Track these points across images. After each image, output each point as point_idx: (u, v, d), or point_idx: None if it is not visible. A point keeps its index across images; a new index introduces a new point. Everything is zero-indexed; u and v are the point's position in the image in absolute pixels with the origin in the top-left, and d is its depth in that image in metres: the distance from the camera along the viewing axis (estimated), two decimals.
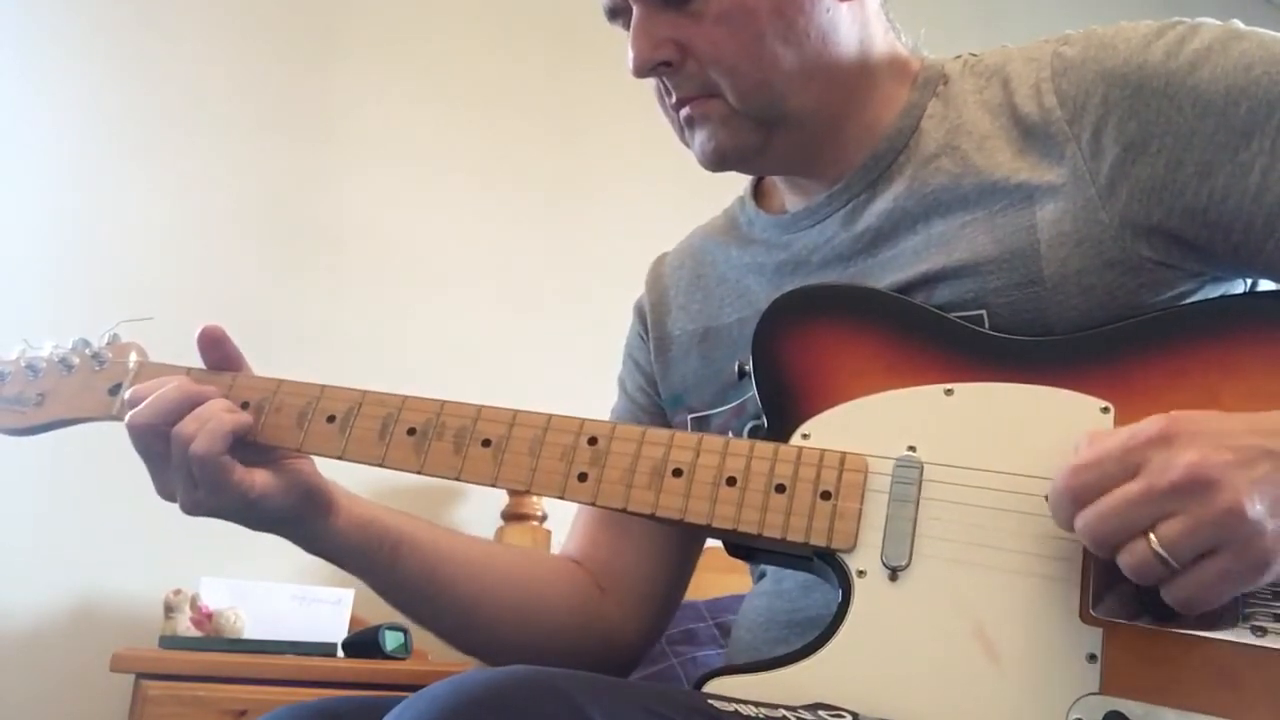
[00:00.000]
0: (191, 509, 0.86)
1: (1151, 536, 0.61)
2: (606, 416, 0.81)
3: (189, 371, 0.91)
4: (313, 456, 0.88)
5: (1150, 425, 0.64)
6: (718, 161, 0.89)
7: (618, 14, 0.89)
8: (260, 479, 0.84)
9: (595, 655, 0.96)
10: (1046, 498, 0.68)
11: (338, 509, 0.88)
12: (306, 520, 0.87)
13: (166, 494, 0.87)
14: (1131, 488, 0.62)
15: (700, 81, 0.86)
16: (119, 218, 2.36)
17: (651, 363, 1.04)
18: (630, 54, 0.85)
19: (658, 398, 1.04)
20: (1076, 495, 0.64)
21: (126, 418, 0.85)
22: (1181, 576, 0.62)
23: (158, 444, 0.84)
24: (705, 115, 0.87)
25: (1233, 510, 0.60)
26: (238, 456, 0.84)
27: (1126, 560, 0.63)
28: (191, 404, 0.84)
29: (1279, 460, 0.62)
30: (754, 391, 0.83)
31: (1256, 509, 0.60)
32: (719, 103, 0.86)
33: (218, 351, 0.90)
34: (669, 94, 0.88)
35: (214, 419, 0.83)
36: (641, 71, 0.86)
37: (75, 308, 2.18)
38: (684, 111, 0.88)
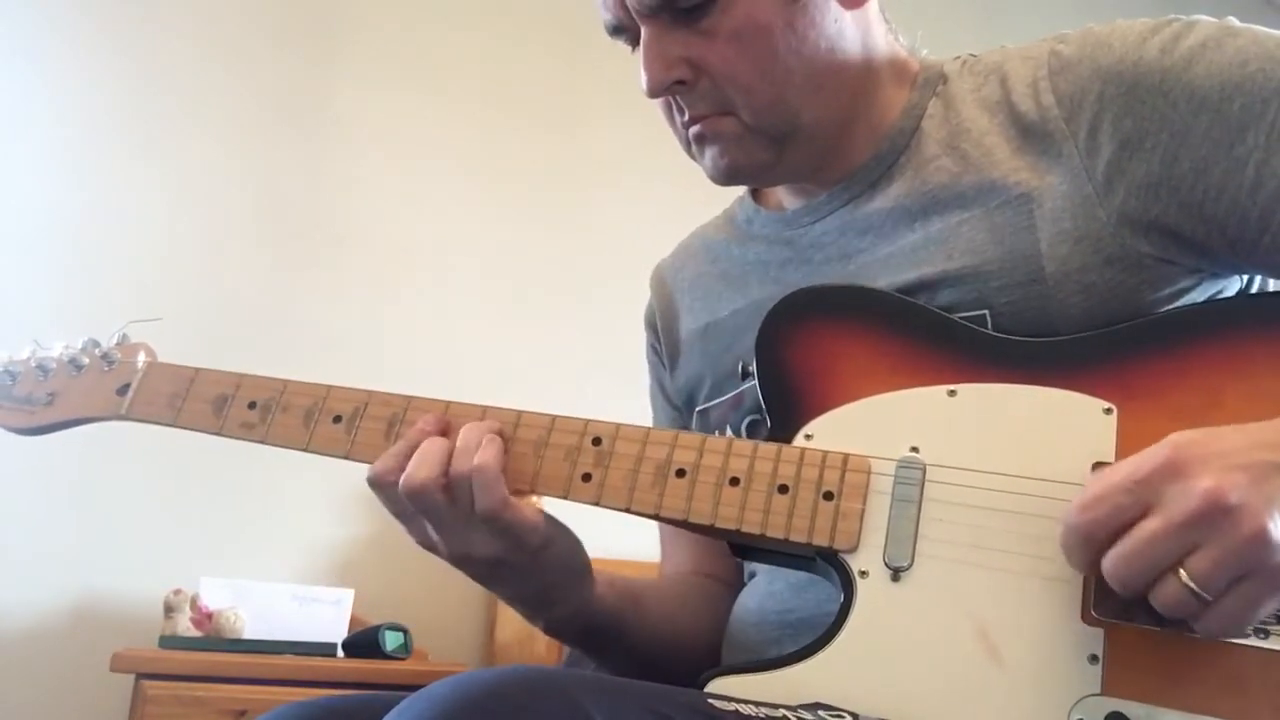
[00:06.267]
0: (482, 564, 0.81)
1: (1182, 572, 0.61)
2: (610, 415, 0.81)
3: (198, 372, 0.92)
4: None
5: (1155, 455, 0.63)
6: (730, 177, 0.88)
7: (621, 31, 0.87)
8: (542, 516, 0.80)
9: None
10: (1060, 541, 0.67)
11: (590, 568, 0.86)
12: (584, 577, 0.85)
13: (428, 545, 0.82)
14: (1151, 525, 0.62)
15: (714, 99, 0.84)
16: (124, 218, 2.37)
17: (666, 373, 1.04)
18: (643, 75, 0.84)
19: (679, 415, 1.03)
20: (1088, 532, 0.64)
21: (401, 487, 0.78)
22: (1214, 608, 0.61)
23: (441, 502, 0.78)
24: (717, 133, 0.86)
25: (1257, 534, 0.60)
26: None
27: (1160, 600, 0.62)
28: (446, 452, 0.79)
29: None
30: (755, 387, 0.83)
31: (1279, 527, 0.60)
32: (732, 120, 0.85)
33: None
34: (681, 112, 0.87)
35: (489, 463, 0.78)
36: (656, 92, 0.84)
37: (85, 308, 2.18)
38: (695, 129, 0.86)
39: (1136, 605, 0.66)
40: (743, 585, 0.97)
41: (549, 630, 0.89)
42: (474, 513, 0.78)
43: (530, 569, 0.81)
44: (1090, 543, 0.64)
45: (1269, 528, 0.60)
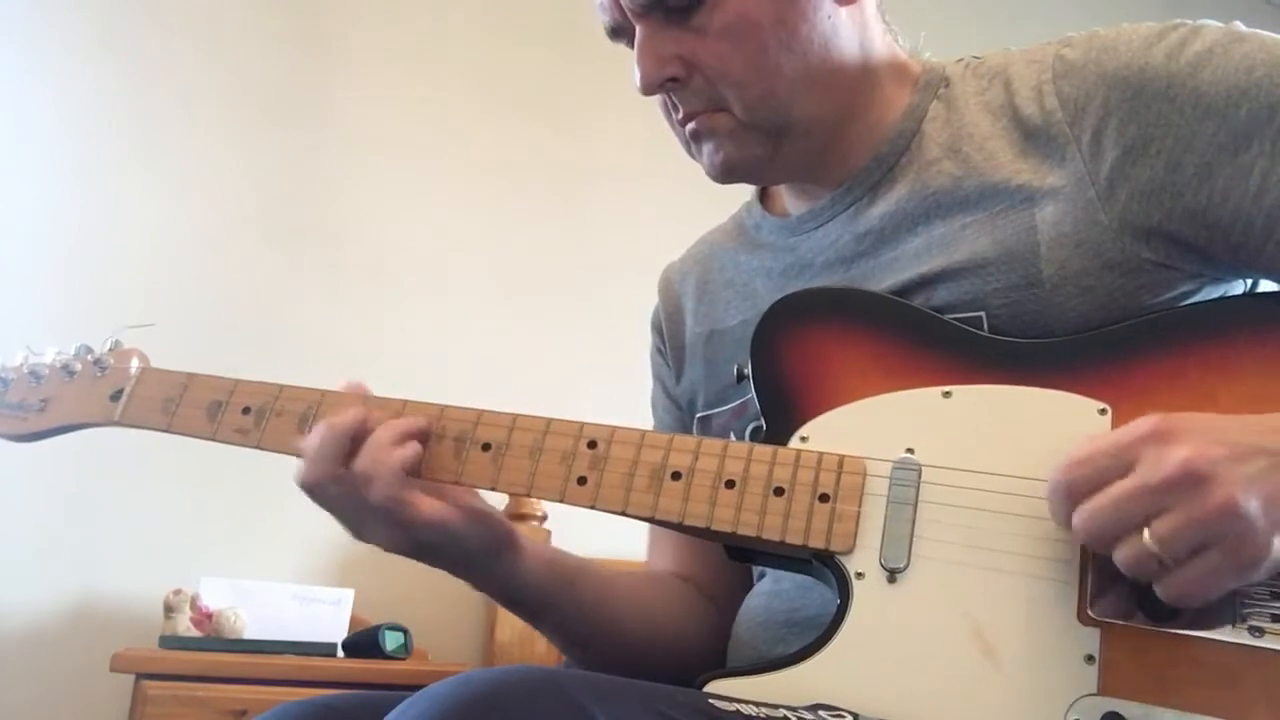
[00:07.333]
0: (394, 549, 0.83)
1: (1145, 532, 0.62)
2: (608, 417, 0.81)
3: (191, 377, 0.92)
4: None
5: (1144, 422, 0.65)
6: (726, 174, 0.89)
7: (620, 33, 0.88)
8: (446, 512, 0.81)
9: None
10: (1046, 496, 0.68)
11: (523, 544, 0.88)
12: (501, 556, 0.86)
13: (361, 538, 0.84)
14: (1125, 484, 0.63)
15: (707, 96, 0.85)
16: (124, 218, 2.37)
17: (671, 375, 1.05)
18: (637, 73, 0.85)
19: (682, 414, 1.04)
20: (1071, 490, 0.65)
21: (300, 479, 0.82)
22: (1174, 572, 0.62)
23: (337, 494, 0.81)
24: (712, 129, 0.86)
25: (1226, 506, 0.61)
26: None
27: (1121, 556, 0.64)
28: (352, 443, 0.81)
29: (1274, 457, 0.62)
30: (753, 394, 0.83)
31: (1250, 505, 0.61)
32: (726, 116, 0.86)
33: None
34: (675, 109, 0.88)
35: (385, 460, 0.80)
36: (649, 89, 0.86)
37: (85, 309, 2.18)
38: (690, 126, 0.87)
39: (1133, 605, 0.67)
40: (724, 594, 0.99)
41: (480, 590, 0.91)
42: (368, 505, 0.80)
43: (441, 554, 0.84)
44: (1070, 499, 0.65)
45: (1239, 501, 0.60)
